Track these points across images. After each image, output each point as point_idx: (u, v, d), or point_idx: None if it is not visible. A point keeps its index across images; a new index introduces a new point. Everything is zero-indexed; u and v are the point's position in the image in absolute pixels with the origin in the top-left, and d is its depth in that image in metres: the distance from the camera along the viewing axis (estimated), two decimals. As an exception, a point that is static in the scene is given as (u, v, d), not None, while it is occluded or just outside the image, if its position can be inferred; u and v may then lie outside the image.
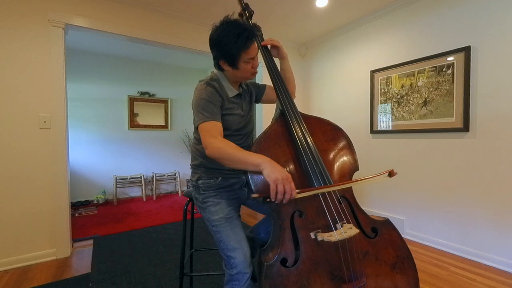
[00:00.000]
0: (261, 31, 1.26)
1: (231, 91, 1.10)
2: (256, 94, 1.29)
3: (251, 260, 1.01)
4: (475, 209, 1.99)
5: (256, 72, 1.12)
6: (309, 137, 1.01)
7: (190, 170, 1.22)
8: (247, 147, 1.17)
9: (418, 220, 2.35)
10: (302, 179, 0.97)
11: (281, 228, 0.91)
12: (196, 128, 1.03)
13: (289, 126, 1.04)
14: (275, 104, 1.32)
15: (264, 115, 3.17)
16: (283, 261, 0.87)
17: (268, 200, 0.83)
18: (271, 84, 1.20)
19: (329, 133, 1.10)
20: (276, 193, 0.81)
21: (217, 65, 1.08)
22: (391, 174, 0.93)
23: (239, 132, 1.13)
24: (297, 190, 0.83)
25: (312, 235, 0.89)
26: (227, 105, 1.07)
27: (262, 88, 1.31)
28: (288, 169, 0.97)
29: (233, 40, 0.97)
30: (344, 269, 0.89)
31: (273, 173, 0.83)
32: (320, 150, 1.03)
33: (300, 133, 1.02)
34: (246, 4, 1.27)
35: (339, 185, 0.90)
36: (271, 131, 1.03)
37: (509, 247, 1.83)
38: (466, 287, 1.65)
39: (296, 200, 0.94)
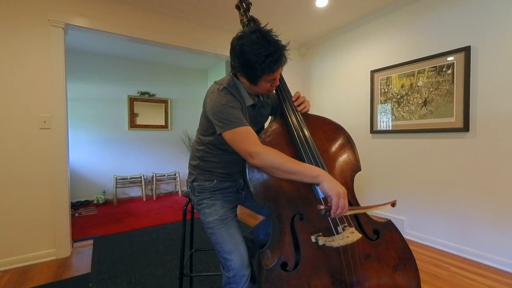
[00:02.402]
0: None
1: (248, 100, 1.03)
2: (272, 107, 1.22)
3: (248, 262, 0.99)
4: (475, 209, 1.99)
5: (272, 90, 1.04)
6: (309, 138, 1.00)
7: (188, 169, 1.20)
8: None
9: (418, 220, 2.35)
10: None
11: (281, 231, 0.90)
12: (219, 135, 0.95)
13: (289, 126, 1.02)
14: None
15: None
16: (283, 265, 0.85)
17: (328, 214, 0.82)
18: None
19: (330, 132, 1.08)
20: (337, 208, 0.80)
21: (235, 75, 1.00)
22: (393, 205, 0.90)
23: None
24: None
25: (313, 238, 0.88)
26: (244, 113, 1.01)
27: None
28: None
29: (260, 60, 0.87)
30: (345, 273, 0.88)
31: (335, 186, 0.82)
32: (321, 151, 1.02)
33: (300, 134, 1.00)
34: None
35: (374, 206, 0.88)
36: (270, 131, 1.02)
37: (509, 247, 1.83)
38: (466, 287, 1.65)
39: (296, 203, 0.93)
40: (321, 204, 0.86)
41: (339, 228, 0.89)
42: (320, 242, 0.86)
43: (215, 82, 1.03)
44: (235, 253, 0.97)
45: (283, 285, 0.82)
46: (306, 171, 0.85)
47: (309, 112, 1.11)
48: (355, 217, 0.98)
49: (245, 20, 1.18)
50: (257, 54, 0.87)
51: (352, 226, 0.91)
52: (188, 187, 1.18)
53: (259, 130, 1.16)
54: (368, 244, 0.94)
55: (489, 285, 1.66)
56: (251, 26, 0.96)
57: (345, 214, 0.85)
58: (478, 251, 1.98)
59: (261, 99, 1.12)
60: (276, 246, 0.90)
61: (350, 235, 0.86)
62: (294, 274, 0.84)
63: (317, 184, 0.86)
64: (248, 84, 0.97)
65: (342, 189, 0.82)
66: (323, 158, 1.01)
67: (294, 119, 1.03)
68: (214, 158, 1.08)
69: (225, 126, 0.91)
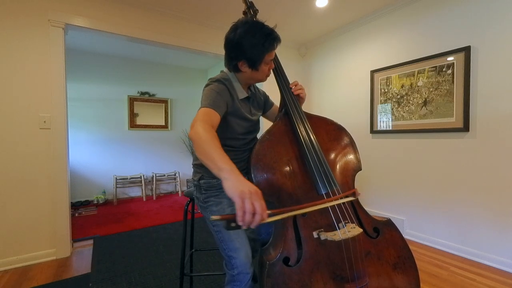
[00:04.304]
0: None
1: (241, 93, 1.07)
2: (264, 104, 1.27)
3: (252, 261, 1.01)
4: (475, 209, 1.99)
5: (269, 74, 1.10)
6: (313, 136, 1.01)
7: (191, 169, 1.21)
8: (251, 149, 1.16)
9: (418, 220, 2.35)
10: (305, 178, 0.97)
11: (283, 227, 0.91)
12: None
13: (293, 125, 1.04)
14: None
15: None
16: (285, 260, 0.86)
17: (233, 225, 0.64)
18: (277, 104, 1.18)
19: (332, 132, 1.10)
20: (244, 212, 0.63)
21: (234, 67, 1.03)
22: (355, 194, 0.93)
23: (246, 136, 1.12)
24: (268, 211, 0.67)
25: (315, 234, 0.89)
26: (236, 105, 1.04)
27: (270, 103, 1.31)
28: (291, 168, 0.97)
29: (261, 41, 0.94)
30: (346, 269, 0.89)
31: (238, 185, 0.66)
32: (324, 150, 1.03)
33: (304, 132, 1.01)
34: (251, 3, 1.24)
35: (311, 205, 0.84)
36: (274, 129, 1.03)
37: (509, 247, 1.83)
38: (466, 287, 1.65)
39: (298, 199, 0.93)
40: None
41: (341, 225, 0.90)
42: (322, 237, 0.87)
43: (209, 79, 1.07)
44: (241, 251, 0.98)
45: (284, 280, 0.83)
46: (216, 160, 0.73)
47: (310, 113, 1.13)
48: (356, 214, 0.99)
49: None
50: (257, 36, 0.94)
51: (353, 222, 0.93)
52: (192, 185, 1.18)
53: (256, 123, 1.18)
54: (368, 242, 0.95)
55: (489, 285, 1.66)
56: (241, 20, 1.01)
57: (278, 218, 0.72)
58: (478, 251, 1.98)
59: (254, 91, 1.17)
60: (278, 242, 0.91)
61: (351, 230, 0.87)
62: (296, 269, 0.85)
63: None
64: (250, 71, 1.02)
65: (248, 188, 0.65)
66: (326, 157, 1.02)
67: (298, 118, 1.05)
68: None
69: (201, 106, 0.93)
